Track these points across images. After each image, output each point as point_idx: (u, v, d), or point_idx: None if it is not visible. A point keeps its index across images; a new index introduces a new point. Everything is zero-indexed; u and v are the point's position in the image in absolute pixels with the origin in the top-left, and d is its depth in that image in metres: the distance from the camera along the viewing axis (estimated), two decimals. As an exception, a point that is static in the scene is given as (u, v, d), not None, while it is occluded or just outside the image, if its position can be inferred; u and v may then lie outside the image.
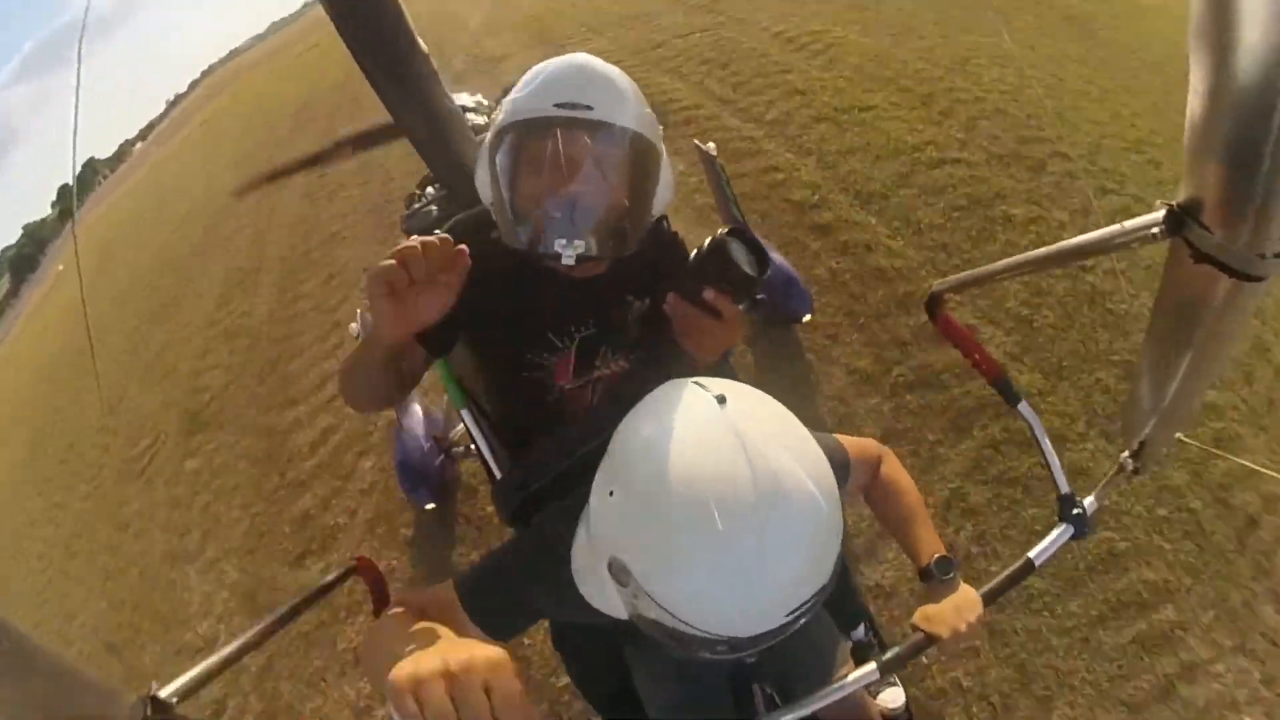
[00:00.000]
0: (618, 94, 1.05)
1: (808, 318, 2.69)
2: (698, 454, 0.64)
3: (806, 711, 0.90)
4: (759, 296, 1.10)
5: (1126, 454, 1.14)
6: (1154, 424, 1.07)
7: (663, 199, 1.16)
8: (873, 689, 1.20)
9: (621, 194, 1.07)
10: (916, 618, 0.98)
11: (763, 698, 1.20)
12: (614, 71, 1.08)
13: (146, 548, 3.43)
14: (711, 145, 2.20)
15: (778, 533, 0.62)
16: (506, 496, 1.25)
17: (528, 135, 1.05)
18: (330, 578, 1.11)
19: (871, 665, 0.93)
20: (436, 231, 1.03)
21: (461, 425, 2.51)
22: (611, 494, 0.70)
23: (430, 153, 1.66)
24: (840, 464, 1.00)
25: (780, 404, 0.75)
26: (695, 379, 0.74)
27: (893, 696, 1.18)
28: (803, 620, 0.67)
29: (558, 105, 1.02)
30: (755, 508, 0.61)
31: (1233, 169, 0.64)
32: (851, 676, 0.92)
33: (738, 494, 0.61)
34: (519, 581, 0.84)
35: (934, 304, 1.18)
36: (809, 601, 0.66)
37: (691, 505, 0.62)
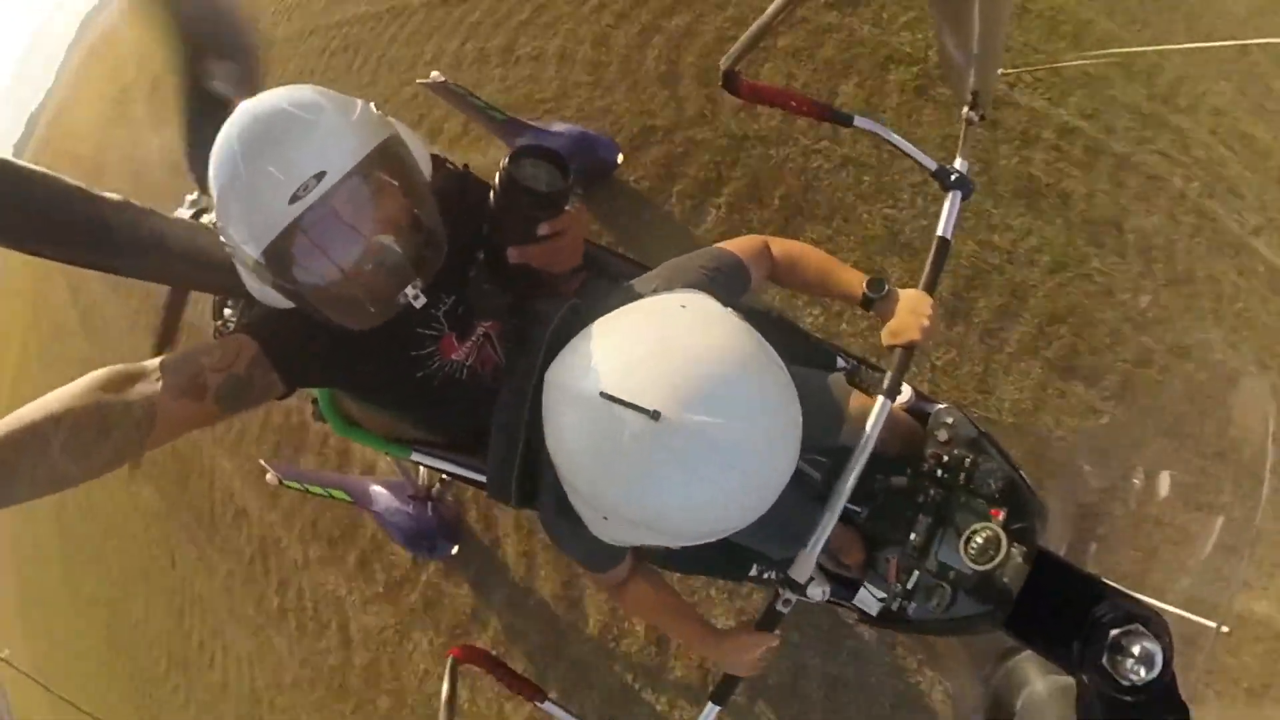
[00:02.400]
0: (328, 128, 0.92)
1: (620, 158, 2.64)
2: (583, 450, 0.74)
3: (862, 463, 0.99)
4: (562, 157, 1.09)
5: (965, 109, 1.21)
6: (974, 72, 1.14)
7: (425, 163, 1.10)
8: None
9: (406, 210, 1.01)
10: (885, 338, 1.07)
11: (816, 468, 1.30)
12: (302, 100, 0.94)
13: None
14: (435, 74, 2.08)
15: (718, 462, 0.70)
16: (503, 490, 1.27)
17: (289, 245, 0.93)
18: (445, 688, 1.10)
19: (879, 399, 1.02)
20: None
21: (422, 469, 2.50)
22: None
23: (201, 282, 1.51)
24: (735, 268, 1.05)
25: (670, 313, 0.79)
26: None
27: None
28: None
29: (292, 200, 0.88)
30: (669, 459, 0.69)
31: None
32: (871, 421, 1.01)
33: (643, 463, 0.70)
34: (579, 533, 0.91)
35: (731, 80, 1.15)
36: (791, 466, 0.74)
37: (627, 487, 0.73)
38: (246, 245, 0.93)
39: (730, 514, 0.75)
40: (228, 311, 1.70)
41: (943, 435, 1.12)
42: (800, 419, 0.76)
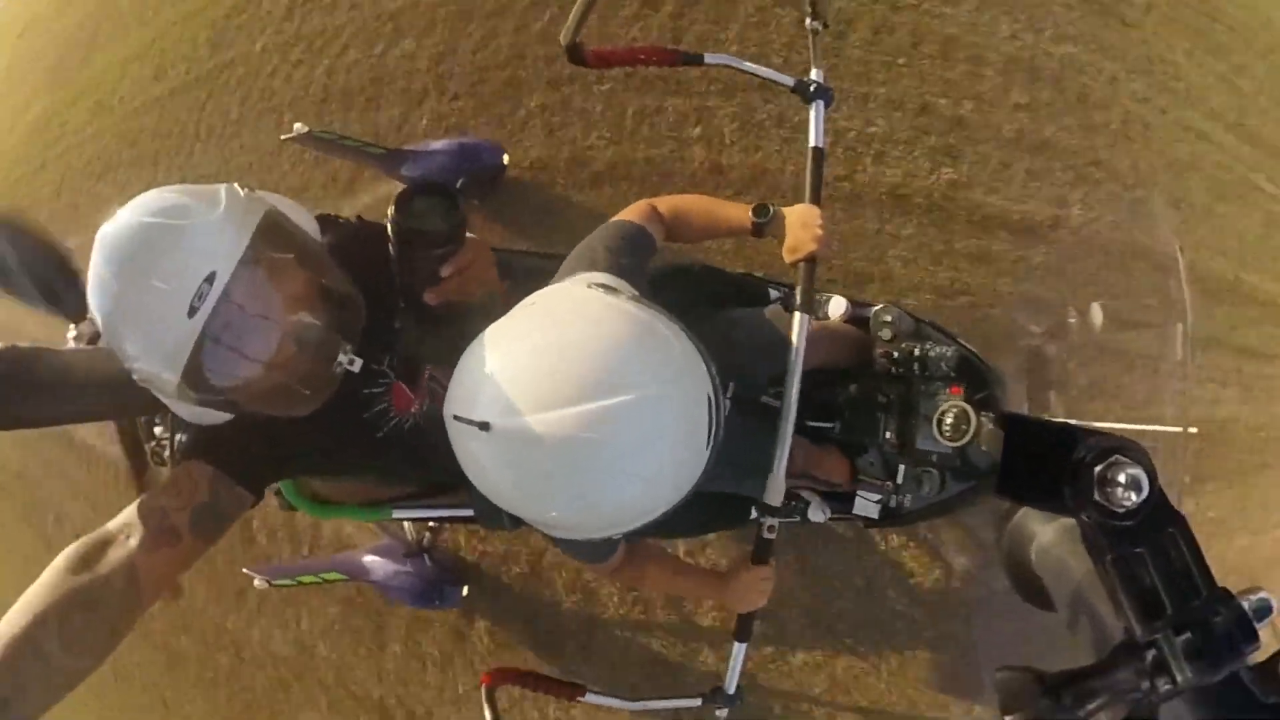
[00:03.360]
0: (201, 227, 0.83)
1: (506, 158, 2.54)
2: (500, 481, 0.74)
3: (797, 378, 1.00)
4: (457, 186, 1.06)
5: (808, 19, 1.22)
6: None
7: (310, 227, 1.04)
8: (820, 314, 1.31)
9: (309, 280, 0.93)
10: (786, 256, 1.08)
11: (777, 399, 1.30)
12: (163, 206, 0.84)
13: None
14: (299, 125, 1.98)
15: (601, 471, 0.70)
16: (494, 518, 1.23)
17: (204, 360, 0.85)
18: (488, 716, 1.09)
19: (796, 316, 1.02)
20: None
21: (406, 524, 2.42)
22: None
23: (119, 408, 1.41)
24: (636, 234, 1.04)
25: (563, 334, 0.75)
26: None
27: (836, 306, 1.28)
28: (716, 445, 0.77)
29: (191, 312, 0.80)
30: (557, 468, 0.69)
31: None
32: (796, 334, 1.02)
33: (542, 479, 0.71)
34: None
35: (576, 53, 1.12)
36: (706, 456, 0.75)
37: (531, 505, 0.76)
38: (162, 374, 0.84)
39: (655, 493, 0.75)
40: (158, 430, 1.60)
41: (886, 334, 1.14)
42: (702, 382, 0.75)
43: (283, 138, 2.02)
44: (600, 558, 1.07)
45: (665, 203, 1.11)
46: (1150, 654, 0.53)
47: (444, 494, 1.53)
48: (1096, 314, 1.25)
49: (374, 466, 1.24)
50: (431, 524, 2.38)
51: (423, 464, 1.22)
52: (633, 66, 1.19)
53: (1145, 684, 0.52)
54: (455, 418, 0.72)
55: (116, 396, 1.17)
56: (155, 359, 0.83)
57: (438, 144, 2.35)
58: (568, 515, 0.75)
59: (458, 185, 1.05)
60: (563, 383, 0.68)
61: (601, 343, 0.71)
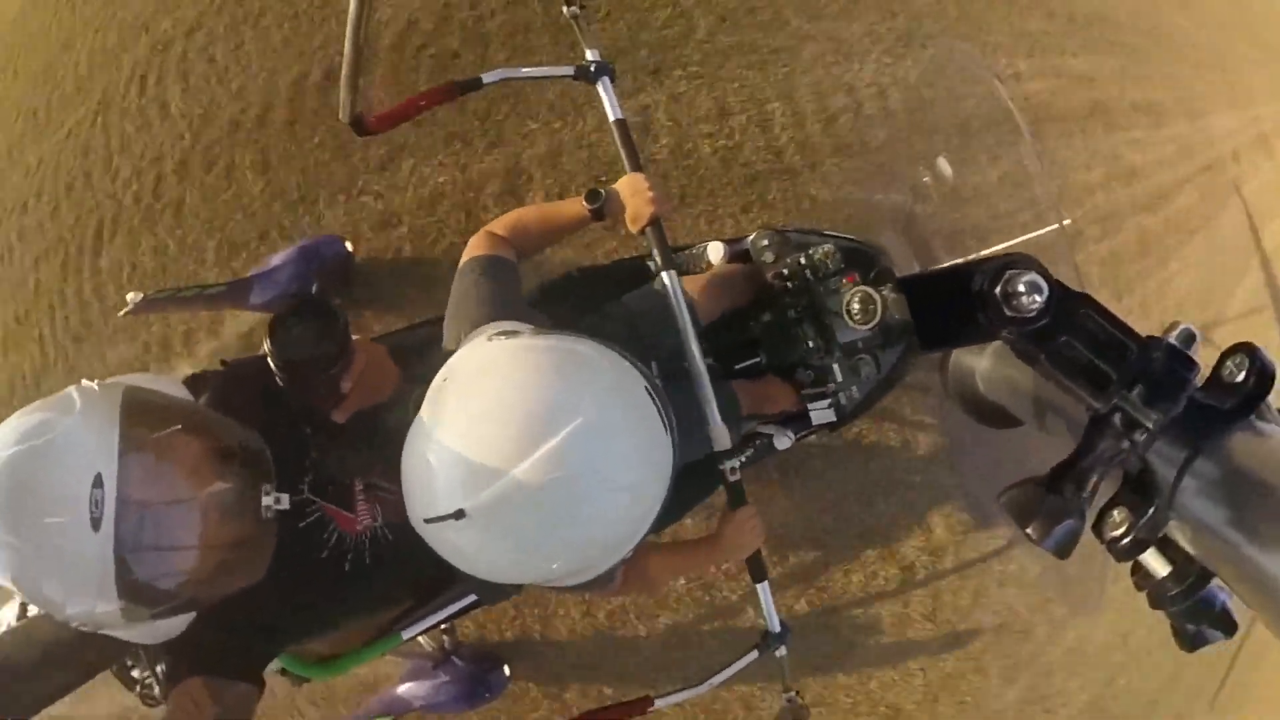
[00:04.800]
0: (66, 437, 0.75)
1: (350, 245, 2.38)
2: (495, 559, 0.71)
3: (690, 329, 1.01)
4: (313, 291, 1.00)
5: (565, 9, 1.21)
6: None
7: (178, 390, 0.97)
8: (703, 265, 1.32)
9: (201, 445, 0.85)
10: (631, 228, 1.09)
11: (706, 354, 1.30)
12: (19, 432, 0.75)
13: None
14: (132, 295, 1.81)
15: (585, 502, 0.68)
16: (500, 593, 1.20)
17: (140, 569, 0.77)
18: None
19: (663, 275, 1.05)
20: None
21: (421, 639, 2.29)
22: None
23: (79, 675, 1.26)
24: (490, 265, 1.01)
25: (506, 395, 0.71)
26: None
27: (714, 252, 1.27)
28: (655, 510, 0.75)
29: (96, 526, 0.72)
30: (544, 519, 0.67)
31: None
32: (671, 293, 1.04)
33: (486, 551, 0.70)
34: None
35: (359, 125, 1.05)
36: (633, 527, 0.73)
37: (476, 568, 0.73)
38: (98, 608, 0.75)
39: (643, 495, 0.73)
40: (136, 673, 1.46)
41: (769, 257, 1.17)
42: (633, 378, 0.74)
43: (120, 314, 1.84)
44: (605, 583, 1.03)
45: (500, 224, 1.08)
46: (1117, 417, 0.55)
47: (440, 593, 1.44)
48: (944, 166, 1.30)
49: (356, 602, 1.15)
50: (442, 626, 2.27)
51: (402, 573, 1.15)
52: (418, 115, 1.16)
53: (1125, 443, 0.53)
54: (426, 521, 0.68)
55: (76, 657, 1.06)
56: (84, 594, 0.75)
57: (277, 258, 2.16)
58: (573, 560, 0.72)
59: (313, 290, 0.99)
60: (510, 440, 0.65)
61: (528, 387, 0.68)
